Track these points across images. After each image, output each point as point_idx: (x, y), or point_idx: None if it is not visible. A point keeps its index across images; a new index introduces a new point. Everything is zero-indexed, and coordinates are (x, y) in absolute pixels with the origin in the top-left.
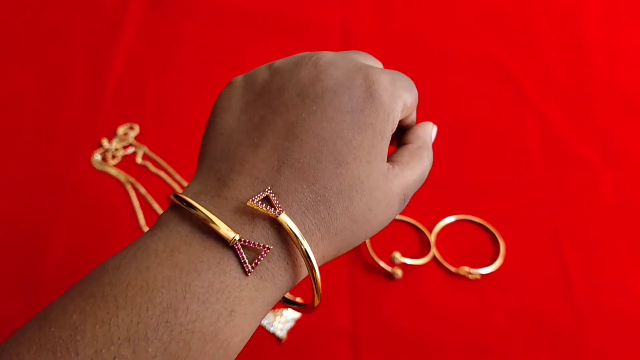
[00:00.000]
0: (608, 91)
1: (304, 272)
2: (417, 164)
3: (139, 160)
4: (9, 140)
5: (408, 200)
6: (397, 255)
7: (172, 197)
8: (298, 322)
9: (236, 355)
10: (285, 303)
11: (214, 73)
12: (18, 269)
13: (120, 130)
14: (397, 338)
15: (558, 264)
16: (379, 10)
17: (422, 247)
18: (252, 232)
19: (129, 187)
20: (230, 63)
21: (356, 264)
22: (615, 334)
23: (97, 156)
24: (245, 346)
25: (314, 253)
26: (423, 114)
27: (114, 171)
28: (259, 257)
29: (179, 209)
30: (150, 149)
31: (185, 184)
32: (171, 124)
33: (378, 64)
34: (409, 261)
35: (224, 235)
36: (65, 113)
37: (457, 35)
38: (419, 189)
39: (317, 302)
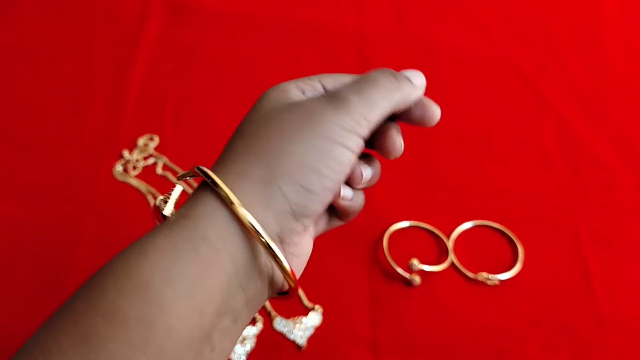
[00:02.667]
0: (628, 93)
1: (259, 250)
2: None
3: (159, 170)
4: (33, 152)
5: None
6: (415, 262)
7: (195, 168)
8: (318, 329)
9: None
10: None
11: (232, 82)
12: (43, 280)
13: (141, 141)
14: (417, 345)
15: (579, 269)
16: (395, 16)
17: (440, 254)
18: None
19: (150, 198)
20: (248, 72)
21: (374, 271)
22: (637, 338)
23: (119, 167)
24: (266, 354)
25: (255, 221)
26: (441, 118)
27: (135, 182)
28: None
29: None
30: (170, 159)
31: None
32: (190, 134)
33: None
34: (427, 268)
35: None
36: (88, 125)
37: (474, 39)
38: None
39: (290, 284)
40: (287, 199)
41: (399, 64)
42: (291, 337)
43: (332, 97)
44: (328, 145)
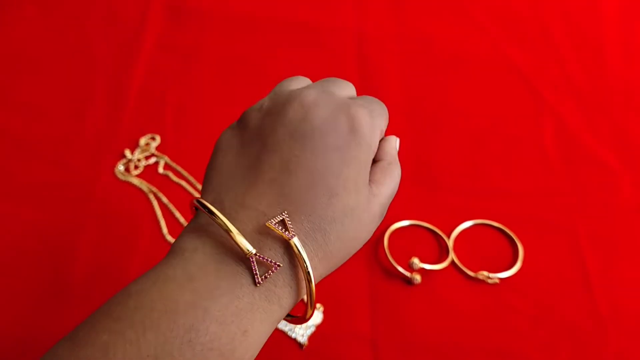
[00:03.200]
0: (626, 94)
1: (303, 293)
2: (390, 180)
3: (160, 170)
4: (35, 152)
5: (385, 213)
6: (416, 260)
7: (195, 201)
8: (319, 327)
9: None
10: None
11: (232, 83)
12: (45, 279)
13: (142, 140)
14: (417, 343)
15: (578, 268)
16: (394, 16)
17: (441, 252)
18: (264, 251)
19: (152, 197)
20: (248, 72)
21: (375, 270)
22: (636, 337)
23: (120, 167)
24: (268, 352)
25: (313, 276)
26: (440, 118)
27: (136, 181)
28: (269, 271)
29: (192, 234)
30: (171, 158)
31: None
32: (191, 133)
33: (352, 90)
34: (427, 266)
35: (242, 246)
36: (89, 125)
37: (473, 39)
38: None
39: (309, 314)
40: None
41: (398, 64)
42: (292, 335)
43: None
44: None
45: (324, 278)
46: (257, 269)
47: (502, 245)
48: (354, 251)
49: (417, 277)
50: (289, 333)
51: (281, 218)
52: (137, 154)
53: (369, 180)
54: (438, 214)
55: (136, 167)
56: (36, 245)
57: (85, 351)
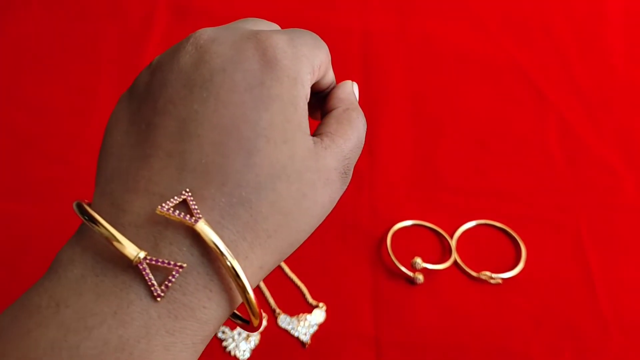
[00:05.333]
0: (630, 93)
1: (239, 295)
2: (349, 129)
3: None
4: (39, 151)
5: (350, 173)
6: (419, 260)
7: (74, 205)
8: (321, 326)
9: None
10: (231, 319)
11: None
12: None
13: None
14: (420, 342)
15: (581, 268)
16: (399, 15)
17: (443, 252)
18: (161, 249)
19: None
20: None
21: (378, 269)
22: (639, 338)
23: None
24: (270, 350)
25: (244, 268)
26: (444, 118)
27: None
28: (169, 277)
29: (73, 240)
30: None
31: None
32: None
33: (272, 27)
34: (430, 266)
35: (124, 250)
36: (94, 124)
37: (477, 39)
38: (435, 197)
39: (255, 322)
40: None
41: (402, 63)
42: (295, 334)
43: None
44: None
45: (324, 278)
46: (150, 276)
47: (505, 246)
48: (308, 227)
49: (420, 277)
50: (292, 331)
51: (181, 199)
52: None
53: (320, 134)
54: (441, 214)
55: None
56: (39, 242)
57: None
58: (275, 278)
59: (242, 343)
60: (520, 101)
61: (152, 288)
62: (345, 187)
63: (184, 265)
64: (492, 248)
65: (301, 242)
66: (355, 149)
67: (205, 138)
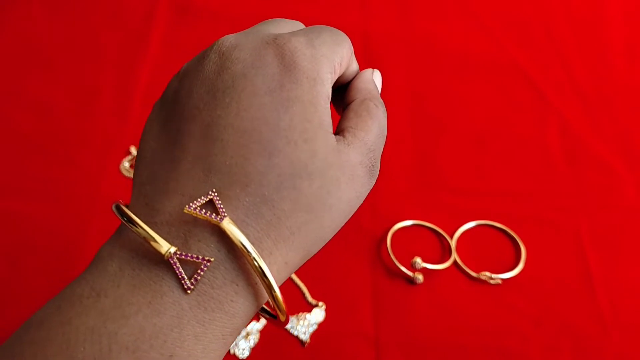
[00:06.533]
0: (631, 94)
1: (264, 291)
2: (369, 120)
3: None
4: (40, 149)
5: (378, 165)
6: (418, 260)
7: (113, 207)
8: (321, 325)
9: None
10: (260, 313)
11: None
12: (50, 277)
13: None
14: (419, 342)
15: (580, 269)
16: (400, 16)
17: (443, 252)
18: (191, 246)
19: None
20: None
21: (378, 269)
22: (639, 338)
23: (126, 163)
24: (269, 349)
25: (269, 264)
26: (445, 118)
27: None
28: (198, 271)
29: (114, 236)
30: None
31: None
32: None
33: (295, 27)
34: (430, 266)
35: (156, 245)
36: (95, 122)
37: (478, 40)
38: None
39: (282, 318)
40: None
41: (403, 63)
42: (295, 332)
43: None
44: None
45: (324, 277)
46: (181, 270)
47: (504, 246)
48: (334, 223)
49: (420, 277)
50: (291, 330)
51: (207, 198)
52: None
53: (341, 130)
54: (441, 214)
55: None
56: (43, 241)
57: None
58: None
59: (242, 341)
60: (520, 101)
61: (183, 281)
62: (374, 181)
63: (212, 259)
64: (492, 248)
65: (328, 239)
66: (377, 140)
67: (228, 141)
